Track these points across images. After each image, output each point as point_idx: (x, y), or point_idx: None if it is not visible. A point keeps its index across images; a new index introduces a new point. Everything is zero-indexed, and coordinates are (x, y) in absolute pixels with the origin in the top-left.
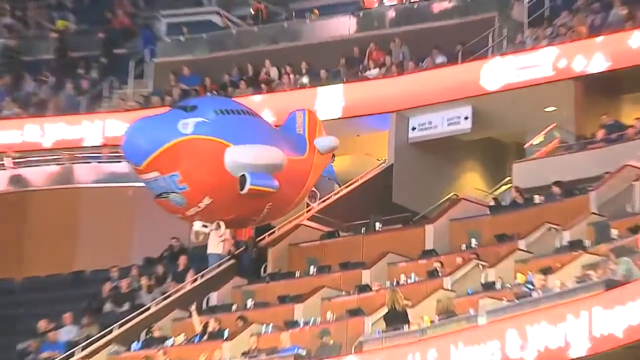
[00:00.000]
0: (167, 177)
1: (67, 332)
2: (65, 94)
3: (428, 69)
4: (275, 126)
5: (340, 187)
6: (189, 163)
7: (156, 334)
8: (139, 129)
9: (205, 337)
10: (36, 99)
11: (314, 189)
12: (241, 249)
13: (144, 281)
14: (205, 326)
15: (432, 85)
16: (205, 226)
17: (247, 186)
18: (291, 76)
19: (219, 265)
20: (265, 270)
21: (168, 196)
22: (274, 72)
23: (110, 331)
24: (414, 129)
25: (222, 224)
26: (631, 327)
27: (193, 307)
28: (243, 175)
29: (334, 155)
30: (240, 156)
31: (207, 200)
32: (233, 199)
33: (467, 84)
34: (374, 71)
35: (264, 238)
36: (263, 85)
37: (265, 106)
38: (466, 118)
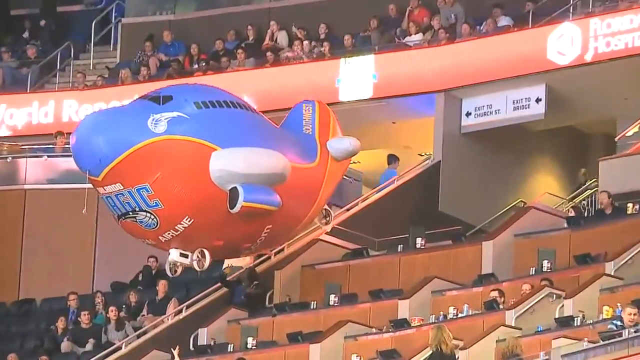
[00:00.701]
0: (134, 191)
1: None
2: (5, 65)
3: (488, 34)
4: (275, 123)
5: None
6: (162, 172)
7: None
8: (96, 126)
9: None
10: None
11: (326, 206)
12: (232, 276)
13: (111, 313)
14: None
15: (494, 56)
16: (185, 255)
17: (240, 203)
18: (305, 43)
19: (212, 291)
20: (270, 300)
21: (135, 217)
22: (282, 38)
23: None
24: (468, 114)
25: (206, 252)
26: None
27: (176, 351)
28: (234, 188)
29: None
30: (230, 163)
31: (186, 222)
32: (220, 220)
33: (540, 55)
34: (416, 37)
35: (265, 259)
36: (268, 55)
37: (270, 83)
38: (538, 100)
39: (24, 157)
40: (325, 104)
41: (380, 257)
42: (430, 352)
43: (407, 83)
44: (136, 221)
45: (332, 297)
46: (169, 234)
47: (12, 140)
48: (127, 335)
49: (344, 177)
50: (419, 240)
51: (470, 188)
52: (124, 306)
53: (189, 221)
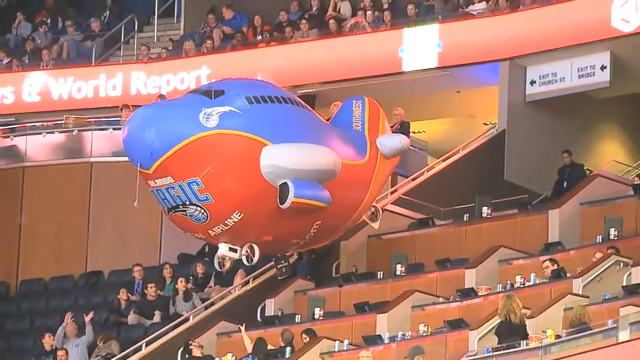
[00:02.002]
0: (185, 185)
1: (80, 352)
2: (70, 38)
3: (552, 2)
4: (326, 119)
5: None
6: (213, 166)
7: (196, 352)
8: (147, 119)
9: (260, 357)
10: (31, 45)
11: (374, 203)
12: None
13: (180, 284)
14: (260, 344)
15: (558, 24)
16: (234, 250)
17: (290, 198)
18: (369, 13)
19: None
20: (337, 270)
21: (185, 210)
22: (345, 8)
23: (138, 349)
24: (533, 83)
25: (255, 247)
26: None
27: (243, 328)
28: (284, 183)
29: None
30: (281, 158)
31: (236, 216)
32: (270, 215)
33: (604, 22)
34: (480, 5)
35: None
36: (331, 24)
37: (333, 53)
38: (603, 68)
39: (89, 130)
40: (374, 100)
41: (446, 227)
42: (499, 321)
43: (471, 52)
44: (186, 215)
45: (398, 267)
46: (218, 228)
47: (78, 114)
48: (195, 307)
49: (410, 147)
50: (484, 209)
51: (535, 156)
52: (191, 277)
53: (239, 216)
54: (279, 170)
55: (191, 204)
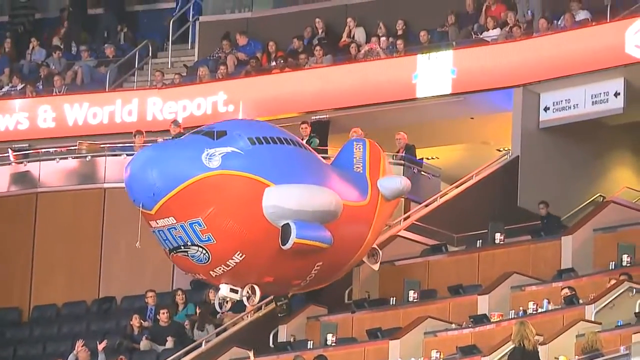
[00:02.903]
0: (187, 225)
1: None
2: (84, 64)
3: (566, 29)
4: (325, 159)
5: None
6: (215, 207)
7: None
8: (150, 160)
9: None
10: (45, 71)
11: (375, 245)
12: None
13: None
14: None
15: (572, 51)
16: (235, 291)
17: (292, 239)
18: (383, 39)
19: None
20: (349, 297)
21: (187, 251)
22: (359, 34)
23: None
24: (546, 109)
25: (257, 288)
26: None
27: (251, 354)
28: (287, 224)
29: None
30: (283, 199)
31: (238, 257)
32: (272, 256)
33: (618, 49)
34: (494, 32)
35: None
36: (353, 50)
37: (348, 80)
38: (617, 94)
39: (103, 155)
40: (375, 142)
41: (459, 253)
42: (512, 347)
43: (485, 78)
44: (187, 256)
45: (411, 293)
46: (220, 269)
47: (94, 139)
48: (208, 333)
49: (422, 172)
50: (497, 235)
51: (549, 183)
52: (203, 304)
53: (241, 257)
54: (281, 211)
55: (193, 244)
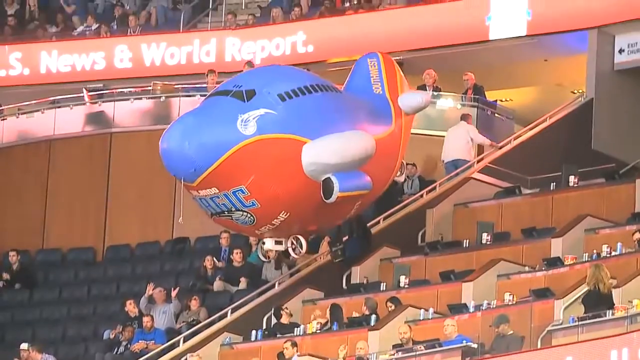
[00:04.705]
0: (230, 194)
1: (167, 318)
2: (158, 4)
3: None
4: (338, 85)
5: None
6: (257, 173)
7: (285, 319)
8: (186, 133)
9: (346, 324)
10: (120, 11)
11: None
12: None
13: (270, 252)
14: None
15: None
16: (280, 242)
17: (336, 193)
18: None
19: None
20: (422, 239)
21: (231, 215)
22: None
23: (223, 316)
24: (621, 51)
25: (301, 238)
26: None
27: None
28: (328, 179)
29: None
30: (321, 155)
31: (283, 216)
32: (315, 209)
33: None
34: None
35: (416, 198)
36: None
37: (421, 21)
38: None
39: (176, 96)
40: (388, 55)
41: (533, 196)
42: (587, 290)
43: (560, 20)
44: (232, 219)
45: (484, 235)
46: (265, 228)
47: (168, 80)
48: (282, 273)
49: (496, 114)
50: (571, 178)
51: (623, 125)
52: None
53: (286, 215)
54: (321, 167)
55: (237, 210)
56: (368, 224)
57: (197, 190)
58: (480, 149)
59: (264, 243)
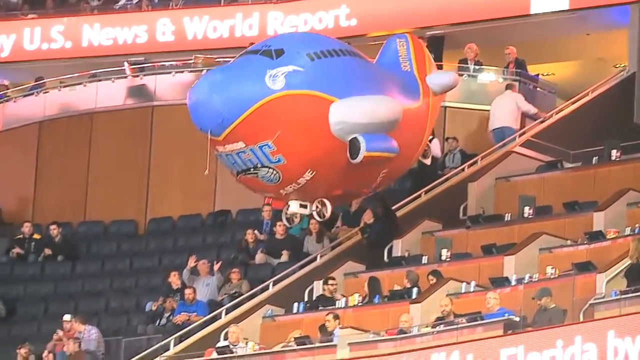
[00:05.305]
0: (256, 148)
1: (210, 291)
2: None
3: None
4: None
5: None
6: (284, 128)
7: (328, 292)
8: (213, 85)
9: (387, 297)
10: None
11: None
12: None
13: (311, 225)
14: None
15: None
16: (304, 206)
17: (362, 153)
18: None
19: (405, 203)
20: (464, 212)
21: (256, 173)
22: None
23: (265, 288)
24: None
25: (327, 202)
26: None
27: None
28: (355, 138)
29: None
30: (349, 114)
31: (308, 175)
32: (341, 170)
33: None
34: None
35: (458, 172)
36: None
37: None
38: None
39: None
40: (417, 37)
41: (575, 170)
42: (629, 263)
43: None
44: (257, 177)
45: (526, 209)
46: (290, 187)
47: (210, 54)
48: (323, 246)
49: (538, 88)
50: (614, 152)
51: None
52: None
53: (312, 174)
54: (348, 127)
55: (263, 166)
56: (405, 200)
57: (223, 145)
58: (523, 121)
59: (288, 206)
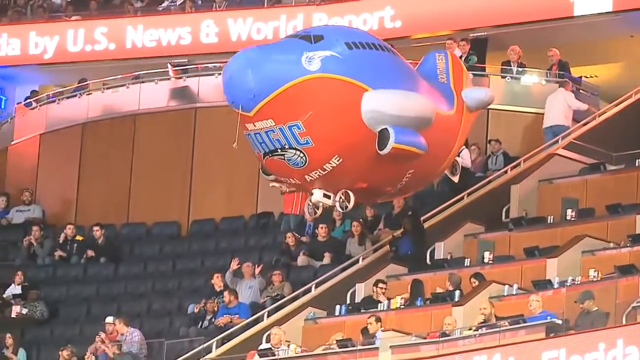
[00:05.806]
0: (285, 128)
1: (252, 293)
2: None
3: None
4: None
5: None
6: (315, 110)
7: (372, 295)
8: (250, 62)
9: (429, 299)
10: None
11: (455, 157)
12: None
13: (353, 228)
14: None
15: None
16: (328, 196)
17: (391, 144)
18: None
19: (448, 206)
20: (507, 215)
21: (283, 154)
22: None
23: (307, 291)
24: None
25: (350, 194)
26: None
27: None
28: (385, 129)
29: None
30: (382, 104)
31: (335, 161)
32: (368, 161)
33: None
34: None
35: (500, 174)
36: None
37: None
38: None
39: None
40: (457, 56)
41: (618, 172)
42: None
43: None
44: (284, 159)
45: (569, 211)
46: (316, 173)
47: None
48: (366, 249)
49: (581, 90)
50: None
51: None
52: (361, 219)
53: (338, 160)
54: (380, 116)
55: (290, 147)
56: (448, 202)
57: (253, 123)
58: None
59: (312, 195)
